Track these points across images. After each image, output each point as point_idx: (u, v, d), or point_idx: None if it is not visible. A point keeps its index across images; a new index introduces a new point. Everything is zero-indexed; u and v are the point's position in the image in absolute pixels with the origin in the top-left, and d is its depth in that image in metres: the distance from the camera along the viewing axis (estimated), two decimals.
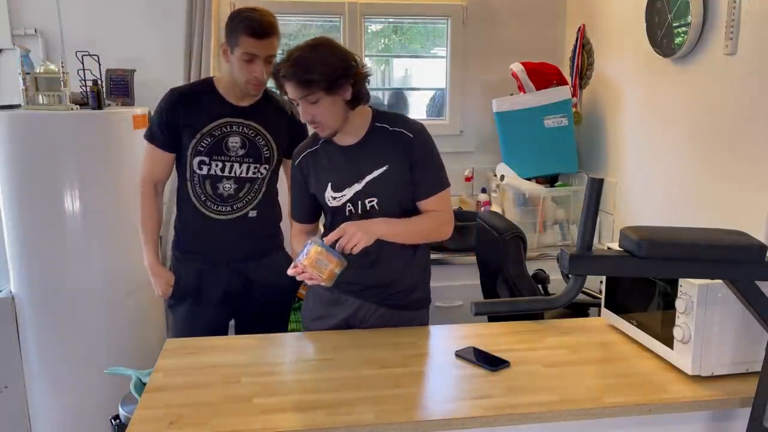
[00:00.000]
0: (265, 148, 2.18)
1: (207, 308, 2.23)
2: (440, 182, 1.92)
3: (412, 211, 1.93)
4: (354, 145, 1.90)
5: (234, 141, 2.14)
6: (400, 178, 1.89)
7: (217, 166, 2.14)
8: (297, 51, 1.76)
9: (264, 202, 2.23)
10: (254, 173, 2.18)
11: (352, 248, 1.75)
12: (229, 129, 2.14)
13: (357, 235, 1.76)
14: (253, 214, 2.21)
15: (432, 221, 1.91)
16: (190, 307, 2.23)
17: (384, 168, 1.88)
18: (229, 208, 2.18)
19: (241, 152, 2.15)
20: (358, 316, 1.99)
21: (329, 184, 1.92)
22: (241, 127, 2.15)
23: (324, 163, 1.94)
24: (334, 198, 1.92)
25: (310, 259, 1.72)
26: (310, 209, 2.03)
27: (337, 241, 1.76)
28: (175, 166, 2.22)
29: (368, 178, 1.89)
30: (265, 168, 2.20)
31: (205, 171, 2.15)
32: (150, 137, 2.18)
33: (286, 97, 1.86)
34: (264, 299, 2.28)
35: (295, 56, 1.75)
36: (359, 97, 1.84)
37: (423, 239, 1.97)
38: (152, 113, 2.23)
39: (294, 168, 2.00)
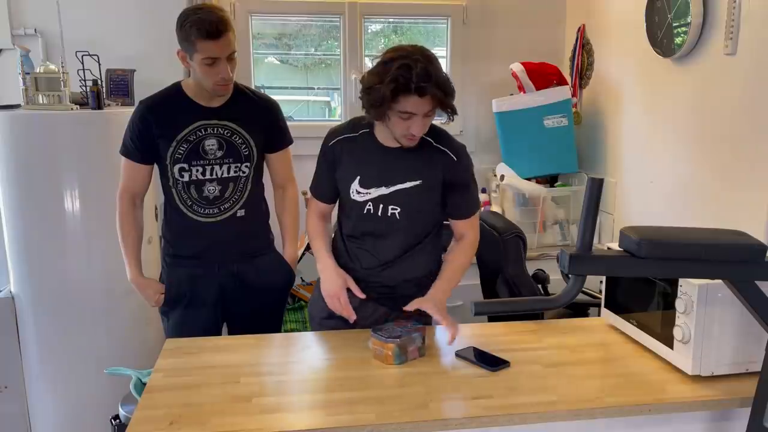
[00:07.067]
0: (243, 146, 2.15)
1: (201, 312, 2.19)
2: (476, 205, 1.99)
3: (429, 224, 1.96)
4: (394, 148, 1.87)
5: (210, 144, 2.10)
6: (429, 195, 1.90)
7: (197, 171, 2.11)
8: (430, 65, 1.72)
9: (251, 200, 2.20)
10: (236, 172, 2.15)
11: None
12: (203, 132, 2.10)
13: (454, 325, 1.83)
14: (241, 213, 2.18)
15: (468, 254, 2.00)
16: (184, 312, 2.19)
17: (416, 182, 1.88)
18: (216, 210, 2.15)
19: (219, 154, 2.12)
20: (359, 315, 1.97)
21: (358, 177, 1.91)
22: (215, 129, 2.11)
23: (359, 155, 1.92)
24: (359, 193, 1.91)
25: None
26: (332, 191, 2.01)
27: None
28: (159, 175, 2.18)
29: (398, 186, 1.88)
30: (246, 166, 2.16)
31: (186, 177, 2.11)
32: (125, 152, 2.15)
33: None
34: (258, 301, 2.25)
35: (436, 74, 1.72)
36: None
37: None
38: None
39: (326, 147, 1.97)
